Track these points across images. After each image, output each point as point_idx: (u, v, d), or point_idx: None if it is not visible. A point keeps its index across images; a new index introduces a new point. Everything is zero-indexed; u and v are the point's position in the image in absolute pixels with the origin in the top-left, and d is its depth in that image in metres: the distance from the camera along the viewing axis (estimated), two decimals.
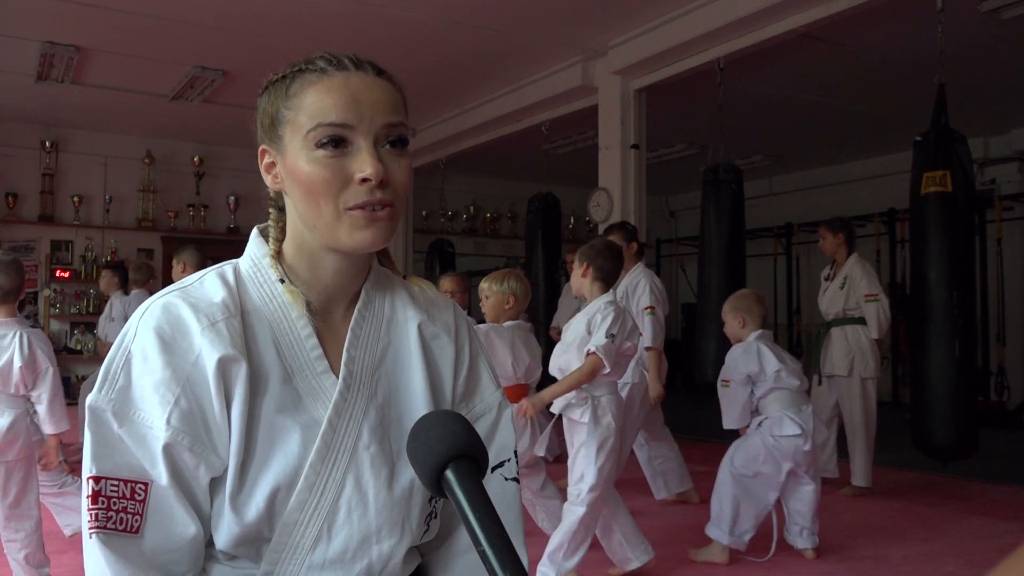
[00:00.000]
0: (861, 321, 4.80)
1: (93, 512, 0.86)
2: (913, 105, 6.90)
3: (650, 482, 4.69)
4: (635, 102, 6.24)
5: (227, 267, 1.00)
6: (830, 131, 8.51)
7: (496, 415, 1.08)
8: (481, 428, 1.05)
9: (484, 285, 3.64)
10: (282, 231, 1.01)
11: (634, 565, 3.34)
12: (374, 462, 0.95)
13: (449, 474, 0.71)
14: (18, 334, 2.97)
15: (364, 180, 0.90)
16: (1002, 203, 8.02)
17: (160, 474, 0.88)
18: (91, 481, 0.86)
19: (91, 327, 8.38)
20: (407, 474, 0.96)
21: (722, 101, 5.52)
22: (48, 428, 3.07)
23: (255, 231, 1.03)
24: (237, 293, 0.96)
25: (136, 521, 0.87)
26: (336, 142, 0.90)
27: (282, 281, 0.97)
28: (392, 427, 0.98)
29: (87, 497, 0.86)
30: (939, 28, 4.47)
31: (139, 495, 0.87)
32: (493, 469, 1.06)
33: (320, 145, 0.90)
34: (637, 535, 3.36)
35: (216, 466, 0.90)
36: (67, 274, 8.55)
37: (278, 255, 0.99)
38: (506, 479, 1.06)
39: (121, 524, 0.86)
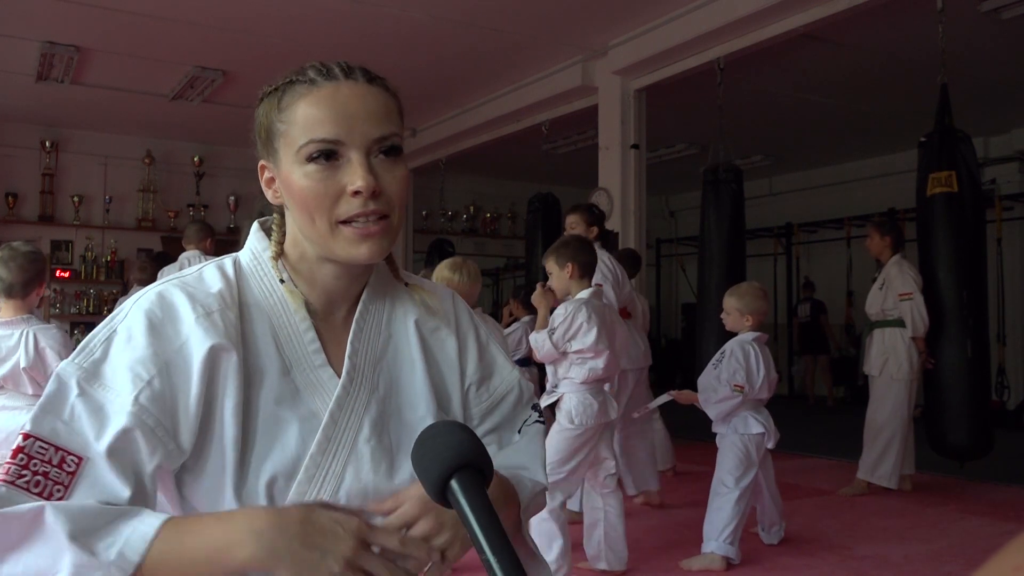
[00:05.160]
0: (899, 323, 4.79)
1: (8, 465, 0.83)
2: (913, 105, 6.91)
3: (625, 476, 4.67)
4: (635, 102, 6.24)
5: (227, 260, 1.00)
6: (830, 131, 8.51)
7: (519, 392, 1.14)
8: (508, 406, 1.12)
9: None
10: (284, 234, 1.01)
11: (602, 566, 3.33)
12: (374, 455, 0.96)
13: (454, 484, 0.72)
14: (25, 333, 2.85)
15: (356, 193, 0.90)
16: (1002, 203, 8.02)
17: (102, 445, 0.84)
18: (21, 436, 0.84)
19: (91, 327, 8.35)
20: (407, 467, 0.96)
21: (722, 101, 5.52)
22: None
23: (256, 224, 1.03)
24: (236, 286, 0.97)
25: (59, 491, 0.83)
26: (327, 155, 0.91)
27: (282, 281, 0.98)
28: (392, 420, 0.99)
29: (11, 449, 0.84)
30: (939, 28, 4.48)
31: (69, 467, 0.83)
32: (525, 424, 1.13)
33: (311, 159, 0.91)
34: (621, 542, 3.34)
35: (174, 456, 0.89)
36: (67, 274, 8.54)
37: (280, 255, 1.00)
38: (535, 423, 1.14)
39: (36, 487, 0.82)
